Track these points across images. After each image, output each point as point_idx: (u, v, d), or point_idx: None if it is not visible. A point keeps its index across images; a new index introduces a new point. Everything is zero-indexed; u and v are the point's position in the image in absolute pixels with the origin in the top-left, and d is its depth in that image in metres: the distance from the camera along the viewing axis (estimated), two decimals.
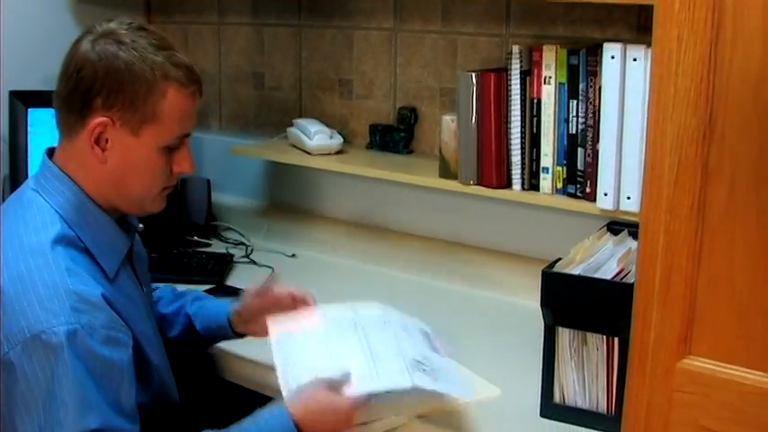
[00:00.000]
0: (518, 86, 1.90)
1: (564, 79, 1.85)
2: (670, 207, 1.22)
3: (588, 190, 1.84)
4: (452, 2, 2.20)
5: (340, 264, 2.39)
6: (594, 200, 1.82)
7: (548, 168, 1.90)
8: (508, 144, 1.94)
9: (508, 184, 1.97)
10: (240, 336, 1.74)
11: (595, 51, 1.78)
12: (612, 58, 1.71)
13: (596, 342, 1.52)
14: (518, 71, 1.89)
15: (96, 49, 1.44)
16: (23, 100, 2.36)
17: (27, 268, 1.39)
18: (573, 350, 1.54)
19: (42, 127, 2.36)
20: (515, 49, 1.89)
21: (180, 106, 1.48)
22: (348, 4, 2.39)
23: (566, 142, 1.87)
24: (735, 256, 1.18)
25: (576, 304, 1.51)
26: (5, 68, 2.45)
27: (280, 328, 1.57)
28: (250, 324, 1.71)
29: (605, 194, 1.78)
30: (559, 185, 1.90)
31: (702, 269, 1.22)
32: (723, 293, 1.20)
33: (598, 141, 1.79)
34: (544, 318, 1.54)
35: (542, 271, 1.53)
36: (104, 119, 1.44)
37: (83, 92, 1.44)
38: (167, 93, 1.45)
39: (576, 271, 1.54)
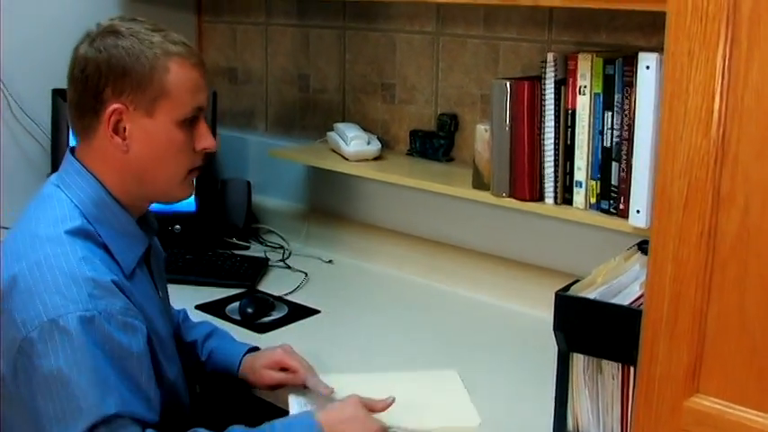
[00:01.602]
0: (552, 96, 1.82)
1: (599, 89, 1.76)
2: (679, 233, 1.14)
3: (622, 206, 1.75)
4: (495, 6, 2.13)
5: (376, 271, 2.34)
6: (627, 217, 1.72)
7: (581, 182, 1.82)
8: (541, 156, 1.86)
9: (540, 198, 1.88)
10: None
11: (632, 61, 1.69)
12: (647, 68, 1.62)
13: (612, 370, 1.44)
14: (552, 80, 1.81)
15: (95, 46, 1.48)
16: (65, 98, 2.37)
17: (45, 256, 1.40)
18: (587, 377, 1.46)
19: None
20: (550, 57, 1.81)
21: (186, 77, 1.49)
22: (391, 7, 2.33)
23: (600, 156, 1.78)
24: (747, 289, 1.10)
25: (590, 330, 1.43)
26: (52, 66, 2.47)
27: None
28: (257, 378, 1.73)
29: (638, 211, 1.69)
30: (593, 200, 1.81)
31: (712, 301, 1.13)
32: (734, 328, 1.12)
33: (633, 155, 1.70)
34: (557, 342, 1.46)
35: (555, 293, 1.45)
36: (118, 105, 1.46)
37: (92, 88, 1.47)
38: (170, 67, 1.47)
39: (594, 294, 1.46)
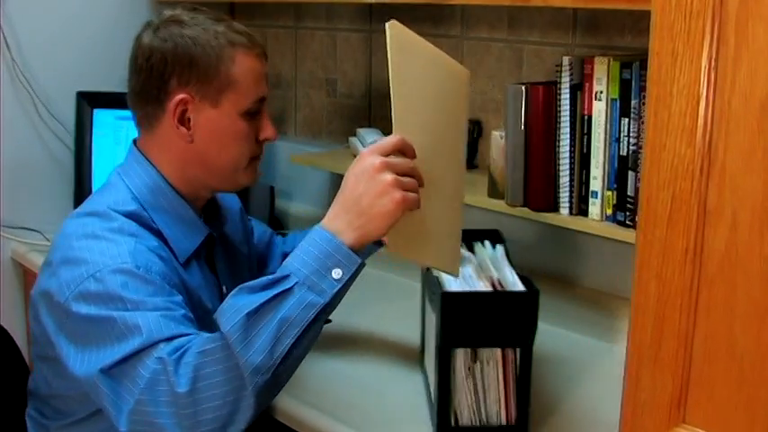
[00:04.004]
0: (567, 102, 1.73)
1: (616, 95, 1.66)
2: (663, 249, 1.05)
3: (638, 218, 1.65)
4: (519, 9, 2.04)
5: (392, 279, 2.26)
6: None
7: (597, 193, 1.72)
8: (556, 164, 1.77)
9: (555, 208, 1.79)
10: None
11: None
12: None
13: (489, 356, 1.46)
14: (568, 85, 1.72)
15: (160, 36, 1.47)
16: (89, 101, 2.36)
17: (93, 229, 1.42)
18: (467, 368, 1.46)
19: (107, 128, 2.36)
20: (565, 60, 1.72)
21: (251, 68, 1.49)
22: (416, 10, 2.26)
23: (616, 164, 1.68)
24: (735, 312, 1.00)
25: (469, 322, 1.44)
26: (77, 68, 2.47)
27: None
28: None
29: None
30: (608, 212, 1.71)
31: (699, 324, 1.04)
32: (721, 354, 1.02)
33: None
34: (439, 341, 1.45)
35: (442, 294, 1.44)
36: (184, 95, 1.46)
37: (156, 77, 1.47)
38: (236, 57, 1.47)
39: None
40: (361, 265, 1.28)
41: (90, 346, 1.32)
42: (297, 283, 1.24)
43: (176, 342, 1.28)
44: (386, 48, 1.31)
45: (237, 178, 1.55)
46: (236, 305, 1.25)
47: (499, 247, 1.66)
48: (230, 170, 1.53)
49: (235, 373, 1.23)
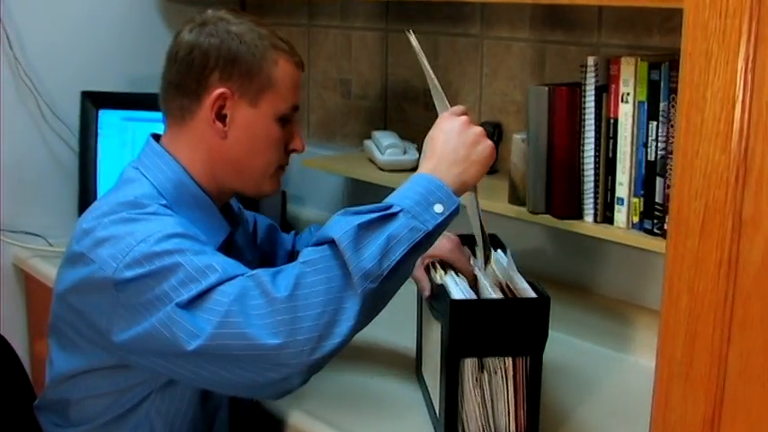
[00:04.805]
0: (593, 104, 1.66)
1: (644, 97, 1.60)
2: (695, 262, 0.99)
3: (666, 226, 1.59)
4: (541, 7, 1.98)
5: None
6: None
7: (623, 199, 1.66)
8: (580, 170, 1.70)
9: (579, 215, 1.73)
10: None
11: (678, 65, 1.53)
12: None
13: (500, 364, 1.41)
14: (593, 86, 1.66)
15: (205, 31, 1.48)
16: (95, 101, 2.31)
17: (129, 215, 1.39)
18: (475, 379, 1.41)
19: (112, 129, 2.32)
20: (590, 61, 1.66)
21: (291, 74, 1.51)
22: (433, 8, 2.21)
23: (643, 170, 1.62)
24: None
25: (479, 330, 1.39)
26: (82, 68, 2.42)
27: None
28: None
29: None
30: (635, 219, 1.65)
31: (733, 341, 0.98)
32: (758, 372, 0.97)
33: None
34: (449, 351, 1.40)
35: (451, 301, 1.40)
36: (224, 90, 1.46)
37: (197, 71, 1.47)
38: (279, 61, 1.49)
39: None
40: (459, 207, 1.34)
41: (157, 297, 1.28)
42: (402, 210, 1.29)
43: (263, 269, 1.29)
44: (405, 48, 1.28)
45: (263, 184, 1.55)
46: (345, 219, 1.29)
47: (501, 252, 1.61)
48: (258, 175, 1.53)
49: (340, 283, 1.25)
